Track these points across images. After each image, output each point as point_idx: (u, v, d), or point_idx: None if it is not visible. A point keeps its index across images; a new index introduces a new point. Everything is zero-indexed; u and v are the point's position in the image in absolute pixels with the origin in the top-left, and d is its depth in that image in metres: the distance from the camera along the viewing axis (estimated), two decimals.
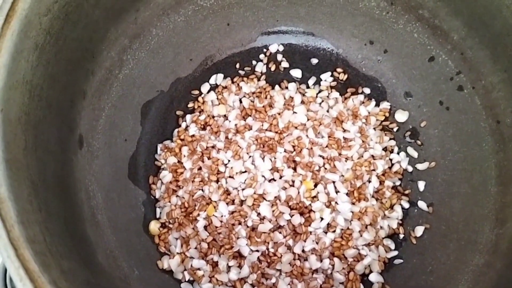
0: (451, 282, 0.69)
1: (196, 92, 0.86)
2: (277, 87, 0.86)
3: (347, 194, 0.75)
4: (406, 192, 0.80)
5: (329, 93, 0.85)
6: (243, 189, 0.75)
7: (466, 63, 0.77)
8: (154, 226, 0.75)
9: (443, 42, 0.78)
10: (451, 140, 0.79)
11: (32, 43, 0.56)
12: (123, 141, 0.78)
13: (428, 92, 0.82)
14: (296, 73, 0.87)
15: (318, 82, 0.87)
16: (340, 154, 0.78)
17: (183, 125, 0.83)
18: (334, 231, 0.73)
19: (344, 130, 0.81)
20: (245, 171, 0.76)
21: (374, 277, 0.73)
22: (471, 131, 0.77)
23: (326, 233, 0.73)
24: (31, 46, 0.55)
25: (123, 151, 0.78)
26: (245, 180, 0.75)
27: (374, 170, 0.79)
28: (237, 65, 0.88)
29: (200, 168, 0.77)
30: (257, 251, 0.72)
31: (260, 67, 0.88)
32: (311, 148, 0.77)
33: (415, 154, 0.81)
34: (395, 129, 0.84)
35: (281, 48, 0.88)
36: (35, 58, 0.57)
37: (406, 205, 0.78)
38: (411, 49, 0.82)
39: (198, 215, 0.74)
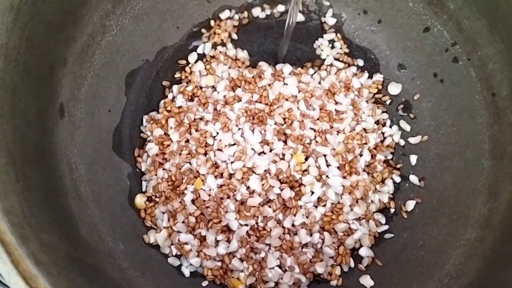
0: (442, 257, 0.69)
1: (183, 61, 0.82)
2: None
3: (338, 167, 0.74)
4: (398, 166, 0.78)
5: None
6: (232, 162, 0.73)
7: (462, 33, 0.75)
8: (140, 200, 0.73)
9: (438, 12, 0.76)
10: (445, 113, 0.77)
11: (6, 2, 0.52)
12: (107, 111, 0.75)
13: (422, 64, 0.80)
14: None
15: None
16: (331, 127, 0.76)
17: (170, 96, 0.80)
18: (324, 205, 0.72)
19: (336, 103, 0.78)
20: (234, 144, 0.74)
21: (364, 252, 0.72)
22: (465, 104, 0.75)
23: (316, 207, 0.72)
24: (5, 6, 0.52)
25: (107, 122, 0.75)
26: (234, 153, 0.73)
27: (366, 143, 0.77)
28: None
29: (187, 141, 0.75)
30: (246, 225, 0.70)
31: None
32: (302, 121, 0.75)
33: (407, 127, 0.80)
34: (387, 102, 0.82)
35: None
36: (11, 19, 0.53)
37: (398, 179, 0.77)
38: (406, 19, 0.80)
39: (186, 188, 0.72)
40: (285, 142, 0.74)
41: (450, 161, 0.75)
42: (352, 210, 0.72)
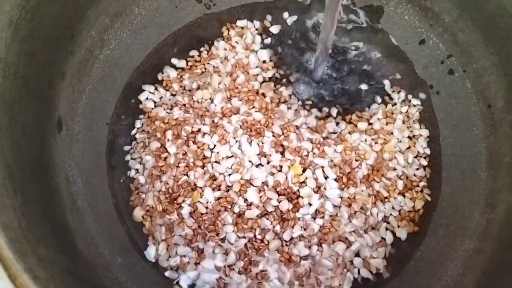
0: (440, 268, 0.69)
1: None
2: None
3: (336, 179, 0.74)
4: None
5: None
6: (229, 175, 0.73)
7: (457, 46, 0.76)
8: (137, 213, 0.73)
9: (434, 25, 0.77)
10: (441, 125, 0.78)
11: (6, 18, 0.53)
12: (105, 124, 0.75)
13: (418, 76, 0.80)
14: None
15: None
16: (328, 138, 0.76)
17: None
18: (322, 217, 0.72)
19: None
20: (232, 156, 0.74)
21: (362, 264, 0.72)
22: (461, 116, 0.76)
23: (314, 219, 0.72)
24: (5, 22, 0.53)
25: (105, 135, 0.75)
26: (232, 165, 0.73)
27: (365, 158, 0.77)
28: None
29: (185, 153, 0.75)
30: (244, 237, 0.70)
31: None
32: (300, 132, 0.75)
33: None
34: None
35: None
36: (10, 34, 0.54)
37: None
38: (402, 31, 0.81)
39: (183, 201, 0.72)
40: (282, 154, 0.74)
41: (447, 172, 0.75)
42: (350, 222, 0.72)
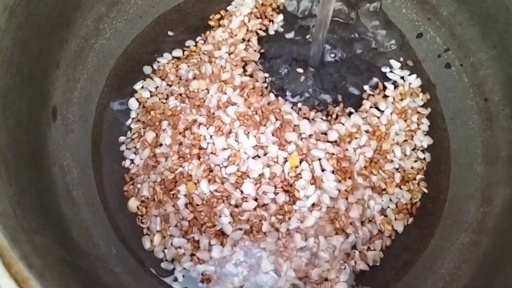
0: (436, 261, 0.69)
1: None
2: None
3: (333, 172, 0.73)
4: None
5: None
6: (225, 166, 0.72)
7: (454, 39, 0.76)
8: (132, 204, 0.72)
9: (432, 18, 0.77)
10: (438, 118, 0.78)
11: (0, 4, 0.52)
12: (99, 114, 0.75)
13: (416, 69, 0.80)
14: None
15: None
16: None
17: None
18: (319, 210, 0.71)
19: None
20: (228, 148, 0.73)
21: (359, 256, 0.72)
22: (458, 110, 0.76)
23: (311, 211, 0.72)
24: None
25: (100, 125, 0.74)
26: (228, 157, 0.73)
27: (362, 151, 0.76)
28: None
29: (180, 144, 0.74)
30: (240, 229, 0.70)
31: None
32: (297, 124, 0.75)
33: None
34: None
35: None
36: (4, 20, 0.53)
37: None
38: (399, 25, 0.81)
39: (179, 192, 0.71)
40: (279, 145, 0.74)
41: (444, 165, 0.75)
42: (347, 214, 0.72)
